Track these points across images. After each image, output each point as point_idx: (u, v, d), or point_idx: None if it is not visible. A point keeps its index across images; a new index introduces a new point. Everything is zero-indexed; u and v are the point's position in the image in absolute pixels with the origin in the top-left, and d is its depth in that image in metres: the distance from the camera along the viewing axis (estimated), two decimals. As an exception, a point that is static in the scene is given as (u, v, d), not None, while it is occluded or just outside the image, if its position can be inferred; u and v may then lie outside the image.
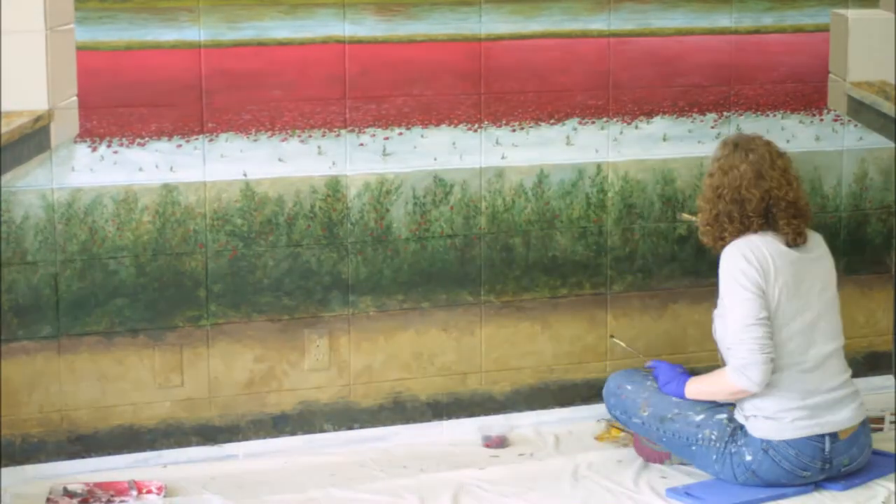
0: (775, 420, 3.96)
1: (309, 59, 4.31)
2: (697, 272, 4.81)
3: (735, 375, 3.95)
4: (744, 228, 4.03)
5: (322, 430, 4.47)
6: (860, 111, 4.90)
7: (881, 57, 4.88)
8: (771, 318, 3.95)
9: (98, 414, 4.26)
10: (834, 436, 3.99)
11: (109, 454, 4.26)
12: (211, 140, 4.25)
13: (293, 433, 4.45)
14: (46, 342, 4.18)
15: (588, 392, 4.73)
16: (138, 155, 4.19)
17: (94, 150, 4.14)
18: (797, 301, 4.00)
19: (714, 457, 4.03)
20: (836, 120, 4.87)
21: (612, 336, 4.69)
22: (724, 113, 4.75)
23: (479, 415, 4.61)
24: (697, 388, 4.11)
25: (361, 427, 4.50)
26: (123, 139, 4.17)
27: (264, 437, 4.41)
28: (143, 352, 4.28)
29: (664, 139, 4.71)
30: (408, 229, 4.47)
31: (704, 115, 4.74)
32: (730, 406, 4.09)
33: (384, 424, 4.53)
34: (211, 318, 4.32)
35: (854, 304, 5.00)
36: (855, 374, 4.98)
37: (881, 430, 4.61)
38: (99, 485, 4.09)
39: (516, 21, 4.49)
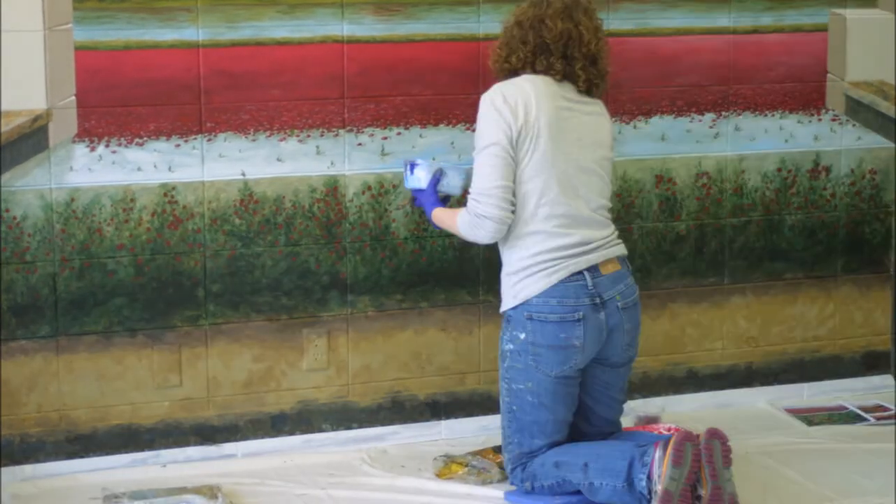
0: (524, 274, 3.87)
1: (307, 58, 4.31)
2: (696, 272, 4.81)
3: (471, 220, 3.86)
4: (532, 58, 3.90)
5: (321, 430, 4.47)
6: (858, 111, 4.90)
7: (879, 57, 4.89)
8: (518, 159, 3.84)
9: (97, 414, 4.26)
10: (594, 270, 3.90)
11: (108, 454, 4.26)
12: (209, 140, 4.25)
13: (292, 433, 4.45)
14: (45, 342, 4.18)
15: (586, 392, 4.73)
16: (137, 155, 4.19)
17: (93, 149, 4.14)
18: (559, 148, 3.86)
19: (521, 376, 3.95)
20: (834, 120, 4.88)
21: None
22: (723, 112, 4.75)
23: (477, 415, 4.61)
24: (440, 216, 4.03)
25: (360, 427, 4.51)
26: (122, 139, 4.17)
27: (263, 437, 4.41)
28: (142, 351, 4.28)
29: (663, 139, 4.71)
30: (406, 229, 4.47)
31: (703, 114, 4.74)
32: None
33: (383, 424, 4.53)
34: (209, 318, 4.32)
35: (852, 303, 5.00)
36: (853, 374, 5.02)
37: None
38: None
39: (515, 21, 4.48)
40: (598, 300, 3.89)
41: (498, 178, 3.83)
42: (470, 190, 3.90)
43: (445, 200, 4.10)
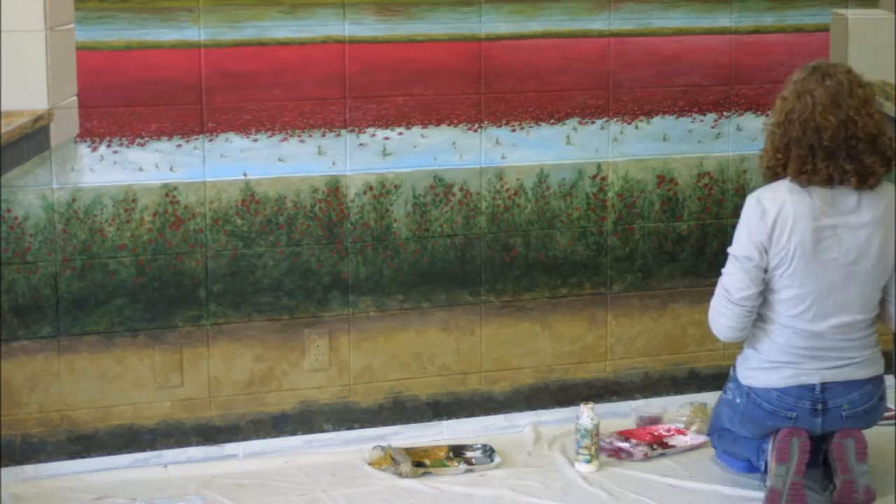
0: (759, 370, 3.95)
1: (309, 58, 4.31)
2: (697, 272, 4.81)
3: (710, 314, 4.04)
4: (808, 164, 3.78)
5: (322, 430, 4.47)
6: (860, 111, 4.89)
7: (881, 57, 4.88)
8: (770, 275, 3.87)
9: (98, 414, 4.26)
10: (826, 383, 3.91)
11: (109, 454, 4.26)
12: (211, 140, 4.25)
13: (293, 433, 4.45)
14: (46, 342, 4.18)
15: (588, 392, 4.73)
16: (138, 155, 4.19)
17: (94, 149, 4.14)
18: (811, 267, 3.83)
19: (726, 404, 4.10)
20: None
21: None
22: (725, 113, 4.75)
23: (478, 415, 4.61)
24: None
25: (361, 427, 4.50)
26: (123, 139, 4.17)
27: (264, 437, 4.41)
28: (143, 352, 4.28)
29: (664, 139, 4.71)
30: (408, 229, 4.47)
31: (704, 114, 4.74)
32: None
33: (384, 424, 4.53)
34: (211, 318, 4.32)
35: (854, 303, 4.99)
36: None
37: None
38: None
39: (516, 21, 4.49)
40: (819, 406, 3.90)
41: (745, 289, 3.90)
42: (721, 281, 3.97)
43: None
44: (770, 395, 3.91)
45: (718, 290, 3.98)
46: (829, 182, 3.82)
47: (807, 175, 3.80)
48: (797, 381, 3.89)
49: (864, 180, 3.81)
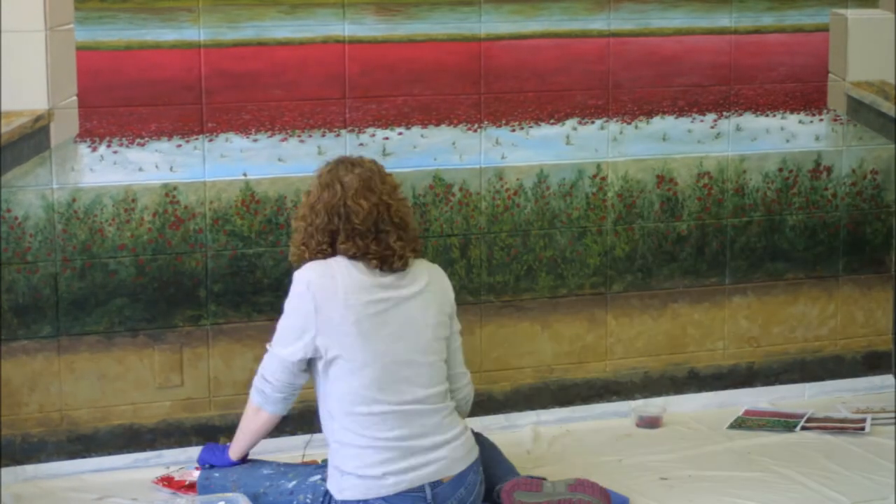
0: (362, 478, 3.60)
1: (309, 58, 4.31)
2: (697, 272, 4.81)
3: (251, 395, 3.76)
4: (343, 243, 3.63)
5: (321, 430, 4.46)
6: (859, 111, 4.90)
7: (881, 57, 4.89)
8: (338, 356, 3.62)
9: (98, 413, 4.26)
10: (436, 482, 3.64)
11: (109, 454, 4.26)
12: (211, 140, 4.25)
13: (293, 433, 4.44)
14: (46, 342, 4.18)
15: (588, 392, 4.73)
16: (138, 155, 4.19)
17: (94, 149, 4.15)
18: (374, 345, 3.61)
19: None
20: (835, 120, 4.88)
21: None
22: (724, 113, 4.75)
23: (479, 414, 4.60)
24: (234, 441, 3.87)
25: (361, 427, 4.50)
26: (123, 139, 4.17)
27: (264, 438, 4.40)
28: (143, 351, 4.28)
29: (664, 139, 4.71)
30: (408, 229, 4.47)
31: (704, 114, 4.74)
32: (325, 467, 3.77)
33: (384, 424, 4.53)
34: (211, 318, 4.32)
35: (853, 303, 5.00)
36: (855, 374, 5.02)
37: (862, 430, 4.60)
38: None
39: (516, 21, 4.49)
40: None
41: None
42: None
43: None
44: None
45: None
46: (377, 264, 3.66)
47: (358, 254, 3.65)
48: (409, 485, 3.61)
49: (401, 258, 3.67)
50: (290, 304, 3.68)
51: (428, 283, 3.73)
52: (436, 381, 3.72)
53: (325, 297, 3.61)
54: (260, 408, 3.77)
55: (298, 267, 3.69)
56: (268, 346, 3.75)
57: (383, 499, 3.59)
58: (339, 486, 3.65)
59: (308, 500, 3.72)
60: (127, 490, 4.08)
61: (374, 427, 3.63)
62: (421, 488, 3.62)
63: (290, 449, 4.40)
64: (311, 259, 3.68)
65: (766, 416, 4.73)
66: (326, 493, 3.70)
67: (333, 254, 3.67)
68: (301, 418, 4.45)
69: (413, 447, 3.64)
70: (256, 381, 3.76)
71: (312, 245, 3.67)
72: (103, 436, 4.27)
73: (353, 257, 3.65)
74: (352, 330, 3.60)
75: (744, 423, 4.68)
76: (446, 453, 3.67)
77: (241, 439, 3.88)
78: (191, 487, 4.02)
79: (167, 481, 4.09)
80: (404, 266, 3.69)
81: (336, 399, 3.66)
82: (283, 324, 3.71)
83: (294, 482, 3.77)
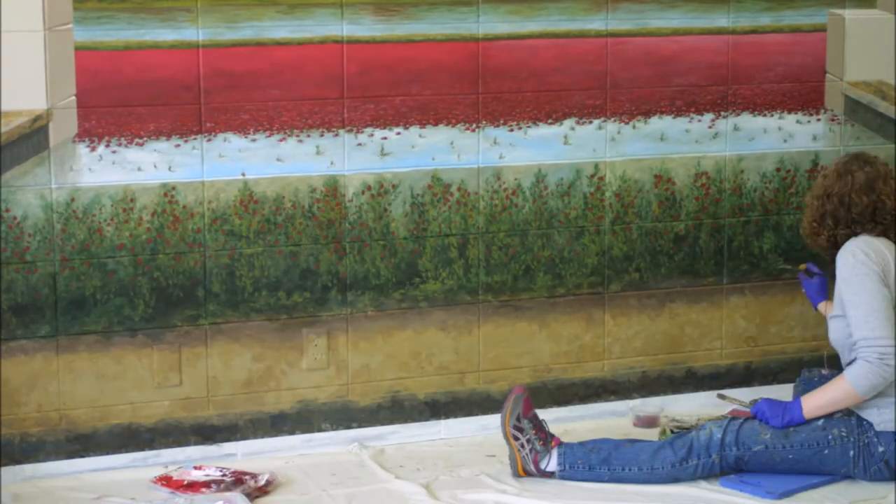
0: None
1: (307, 58, 4.31)
2: (695, 272, 4.81)
3: (872, 381, 3.95)
4: (851, 232, 4.11)
5: (320, 430, 4.48)
6: (857, 111, 4.90)
7: (878, 57, 4.89)
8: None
9: (97, 413, 4.26)
10: None
11: (108, 453, 4.27)
12: (209, 140, 4.25)
13: (291, 432, 4.45)
14: (45, 341, 4.18)
15: (585, 391, 4.74)
16: (137, 155, 4.19)
17: (93, 149, 4.15)
18: None
19: (852, 452, 4.01)
20: (833, 120, 4.88)
21: (721, 395, 4.73)
22: (722, 113, 4.76)
23: (476, 414, 4.61)
24: (817, 402, 4.06)
25: (360, 426, 4.51)
26: (122, 139, 4.17)
27: (263, 437, 4.42)
28: (142, 351, 4.28)
29: (662, 139, 4.71)
30: (406, 229, 4.48)
31: (702, 114, 4.74)
32: None
33: (382, 424, 4.53)
34: (209, 318, 4.33)
35: (851, 303, 5.00)
36: (852, 374, 5.00)
37: None
38: None
39: (514, 21, 4.49)
40: None
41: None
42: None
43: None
44: None
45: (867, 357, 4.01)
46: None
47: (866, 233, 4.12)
48: None
49: None
50: (856, 273, 4.03)
51: None
52: None
53: (881, 260, 4.03)
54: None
55: (807, 236, 4.23)
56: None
57: None
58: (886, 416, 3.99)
59: (844, 433, 4.01)
60: (125, 490, 4.08)
61: None
62: None
63: (289, 449, 4.41)
64: (823, 236, 4.16)
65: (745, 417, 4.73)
66: (859, 424, 4.01)
67: (842, 232, 4.12)
68: (299, 417, 4.45)
69: None
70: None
71: (828, 225, 4.13)
72: (102, 435, 4.27)
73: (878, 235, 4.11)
74: None
75: None
76: None
77: (827, 404, 4.06)
78: (189, 487, 4.02)
79: (166, 480, 4.10)
80: None
81: None
82: (863, 288, 4.03)
83: (822, 419, 4.03)
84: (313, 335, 4.44)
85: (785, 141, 4.83)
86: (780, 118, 4.82)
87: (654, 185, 4.72)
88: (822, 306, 4.41)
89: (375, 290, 4.47)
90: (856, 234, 4.11)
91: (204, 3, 4.18)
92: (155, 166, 4.21)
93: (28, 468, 4.19)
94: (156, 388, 4.31)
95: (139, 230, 4.22)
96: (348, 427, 4.49)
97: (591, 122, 4.62)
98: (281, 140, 4.32)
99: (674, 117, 4.71)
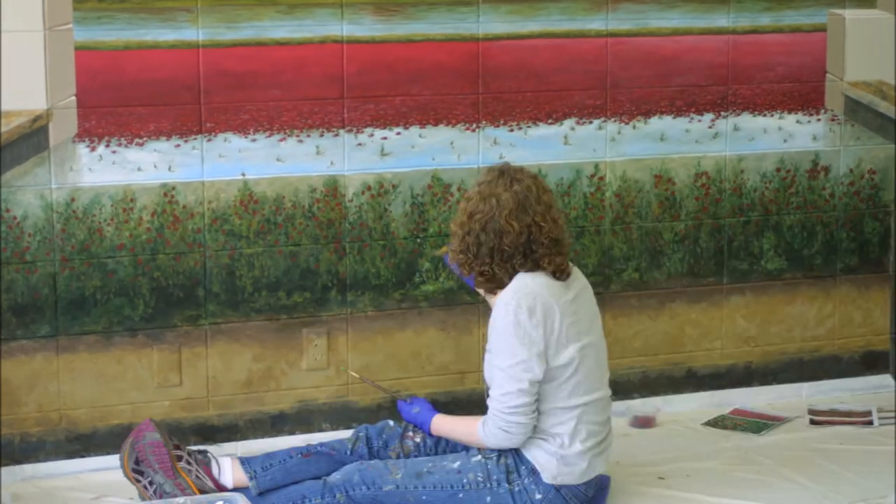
0: (571, 465, 3.74)
1: (307, 58, 4.31)
2: (695, 272, 4.81)
3: (493, 432, 3.71)
4: (503, 263, 3.71)
5: (320, 430, 4.48)
6: (857, 111, 4.90)
7: (878, 57, 4.89)
8: (558, 365, 3.70)
9: (97, 413, 4.26)
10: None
11: (108, 453, 4.26)
12: (209, 140, 4.25)
13: (292, 433, 4.45)
14: (45, 341, 4.18)
15: (586, 391, 4.74)
16: (137, 155, 4.19)
17: (93, 149, 4.15)
18: (584, 337, 3.75)
19: (488, 499, 3.72)
20: (833, 120, 4.88)
21: (344, 368, 4.48)
22: (722, 113, 4.76)
23: (477, 414, 4.60)
24: (448, 425, 3.88)
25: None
26: (122, 139, 4.17)
27: (263, 437, 4.42)
28: (142, 351, 4.28)
29: (662, 139, 4.71)
30: (406, 229, 4.48)
31: (702, 114, 4.74)
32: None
33: (382, 424, 4.53)
34: (209, 318, 4.33)
35: (851, 303, 5.01)
36: (853, 374, 5.03)
37: (870, 423, 4.63)
38: None
39: (514, 21, 4.49)
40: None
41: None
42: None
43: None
44: (579, 490, 3.80)
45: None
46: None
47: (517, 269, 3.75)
48: (600, 469, 3.87)
49: (562, 272, 3.76)
50: (512, 334, 3.70)
51: (584, 281, 3.89)
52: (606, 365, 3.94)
53: (544, 314, 3.69)
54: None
55: (468, 273, 3.82)
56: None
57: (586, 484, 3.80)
58: (555, 471, 3.74)
59: (480, 478, 3.75)
60: (125, 490, 4.08)
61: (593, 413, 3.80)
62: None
63: (289, 448, 4.41)
64: (476, 270, 3.77)
65: (747, 417, 4.73)
66: (507, 469, 3.74)
67: (497, 268, 3.74)
68: (299, 417, 4.45)
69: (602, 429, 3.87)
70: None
71: (480, 258, 3.74)
72: (102, 435, 4.27)
73: (532, 270, 3.74)
74: (569, 330, 3.71)
75: (719, 422, 4.69)
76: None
77: (452, 431, 3.89)
78: None
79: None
80: (567, 276, 3.79)
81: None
82: (511, 354, 3.72)
83: (457, 463, 3.79)
84: (313, 335, 4.44)
85: (785, 141, 4.83)
86: (780, 118, 4.82)
87: (654, 185, 4.72)
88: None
89: (375, 290, 4.47)
90: (513, 271, 3.73)
91: (204, 3, 4.18)
92: (155, 166, 4.21)
93: (28, 468, 4.19)
94: (156, 388, 4.31)
95: (139, 230, 4.22)
96: (348, 427, 4.49)
97: (591, 122, 4.62)
98: (281, 140, 4.32)
99: (674, 117, 4.71)
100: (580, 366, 3.74)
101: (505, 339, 3.70)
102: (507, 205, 3.69)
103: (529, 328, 3.67)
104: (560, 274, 3.75)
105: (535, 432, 3.75)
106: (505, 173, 3.75)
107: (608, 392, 3.89)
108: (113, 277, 4.22)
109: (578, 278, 3.86)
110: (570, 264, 3.83)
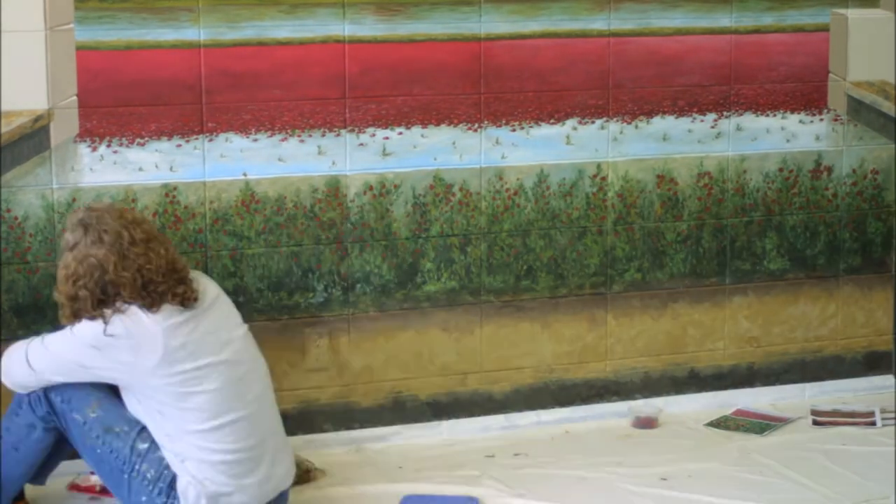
0: (223, 496, 3.61)
1: (309, 58, 4.31)
2: (697, 272, 4.81)
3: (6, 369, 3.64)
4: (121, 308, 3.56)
5: (322, 430, 4.47)
6: (860, 111, 4.90)
7: (881, 57, 4.88)
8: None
9: (98, 414, 4.25)
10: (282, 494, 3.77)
11: (109, 454, 4.26)
12: (211, 140, 4.25)
13: (293, 433, 4.43)
14: (46, 342, 4.18)
15: (588, 392, 4.73)
16: (138, 155, 4.19)
17: (94, 149, 4.14)
18: (210, 358, 3.60)
19: (144, 498, 3.61)
20: (835, 120, 4.87)
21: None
22: (724, 112, 4.75)
23: (478, 415, 4.61)
24: None
25: (361, 427, 4.50)
26: (123, 139, 4.17)
27: None
28: (143, 351, 4.27)
29: (664, 139, 4.71)
30: (408, 229, 4.47)
31: (704, 114, 4.74)
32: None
33: (384, 424, 4.53)
34: (211, 318, 4.32)
35: (854, 303, 5.00)
36: (855, 374, 5.02)
37: (873, 424, 4.62)
38: None
39: (516, 21, 4.49)
40: None
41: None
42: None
43: None
44: None
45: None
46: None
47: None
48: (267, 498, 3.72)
49: (188, 298, 3.62)
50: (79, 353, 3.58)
51: (213, 293, 3.71)
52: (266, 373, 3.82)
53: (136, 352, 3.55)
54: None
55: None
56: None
57: None
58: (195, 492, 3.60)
59: (148, 477, 3.61)
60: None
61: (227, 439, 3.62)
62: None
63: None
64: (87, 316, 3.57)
65: (749, 418, 4.73)
66: (171, 480, 3.59)
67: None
68: (300, 417, 4.45)
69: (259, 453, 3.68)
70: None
71: (88, 308, 3.56)
72: (103, 436, 4.27)
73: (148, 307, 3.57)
74: (186, 359, 3.56)
75: (721, 423, 4.68)
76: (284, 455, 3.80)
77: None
78: (106, 490, 3.95)
79: (76, 488, 4.09)
80: (196, 298, 3.63)
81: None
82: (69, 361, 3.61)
83: (146, 445, 3.62)
84: (315, 336, 4.43)
85: (788, 141, 4.82)
86: (782, 118, 4.82)
87: (656, 186, 4.71)
88: None
89: (377, 290, 4.47)
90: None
91: (205, 3, 4.18)
92: (156, 166, 4.21)
93: (29, 469, 4.18)
94: (157, 388, 4.30)
95: (140, 230, 4.21)
96: (350, 428, 4.49)
97: (593, 122, 4.61)
98: (282, 140, 4.32)
99: (676, 117, 4.71)
100: (203, 387, 3.58)
101: (70, 351, 3.59)
102: (109, 260, 3.55)
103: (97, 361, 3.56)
104: (187, 302, 3.59)
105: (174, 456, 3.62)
106: (89, 228, 3.58)
107: (249, 411, 3.69)
108: (114, 278, 4.21)
109: (205, 293, 3.67)
110: (194, 280, 3.66)
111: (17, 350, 3.70)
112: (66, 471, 4.19)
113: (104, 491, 4.00)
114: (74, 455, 4.20)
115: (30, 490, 4.07)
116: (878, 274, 5.02)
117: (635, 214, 4.71)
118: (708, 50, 4.71)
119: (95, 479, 4.06)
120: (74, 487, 4.09)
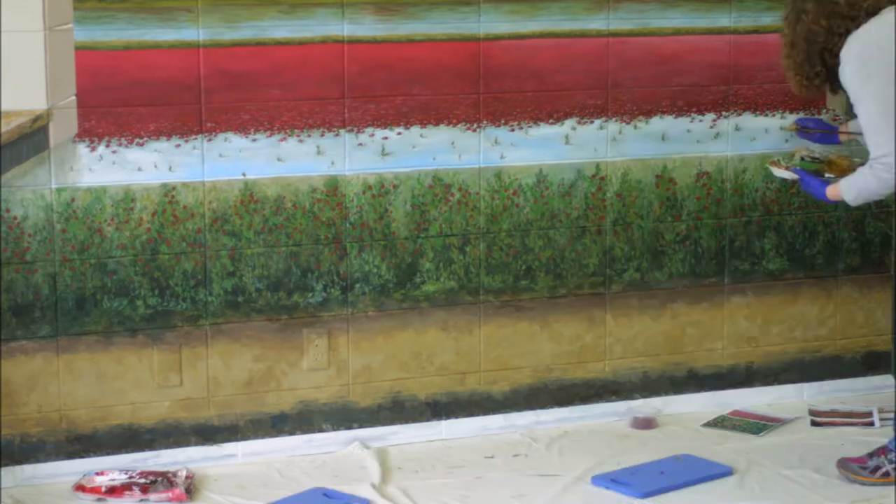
0: None
1: (308, 58, 4.31)
2: (696, 272, 4.81)
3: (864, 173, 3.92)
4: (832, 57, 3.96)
5: (321, 430, 4.47)
6: (859, 111, 4.89)
7: (880, 57, 4.88)
8: None
9: (97, 414, 4.26)
10: None
11: (108, 454, 4.26)
12: (210, 140, 4.25)
13: (292, 433, 4.45)
14: (45, 342, 4.18)
15: (587, 392, 4.73)
16: (137, 155, 4.19)
17: (93, 149, 4.14)
18: None
19: None
20: (835, 120, 4.87)
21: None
22: (723, 112, 4.75)
23: (477, 415, 4.61)
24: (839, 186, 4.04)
25: (360, 427, 4.51)
26: (122, 139, 4.17)
27: (263, 437, 4.41)
28: (142, 351, 4.28)
29: (663, 139, 4.71)
30: (407, 229, 4.47)
31: (703, 114, 4.74)
32: None
33: (383, 424, 4.53)
34: (210, 318, 4.32)
35: (853, 303, 5.00)
36: (854, 374, 5.03)
37: (871, 424, 4.63)
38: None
39: (515, 21, 4.49)
40: None
41: None
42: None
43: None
44: None
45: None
46: None
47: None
48: None
49: None
50: (856, 73, 3.91)
51: None
52: None
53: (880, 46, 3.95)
54: None
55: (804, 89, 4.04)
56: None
57: None
58: None
59: None
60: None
61: None
62: None
63: (289, 449, 4.40)
64: (812, 85, 4.03)
65: (746, 418, 4.73)
66: None
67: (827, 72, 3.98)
68: (299, 417, 4.45)
69: None
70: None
71: (807, 71, 4.00)
72: (102, 436, 4.27)
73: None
74: None
75: (718, 422, 4.69)
76: None
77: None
78: (112, 492, 3.99)
79: (82, 489, 4.09)
80: None
81: None
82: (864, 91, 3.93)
83: None
84: (314, 335, 4.43)
85: (787, 141, 4.82)
86: (781, 118, 4.82)
87: (655, 186, 4.72)
88: (830, 191, 4.13)
89: (376, 290, 4.47)
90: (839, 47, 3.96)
91: (204, 3, 4.18)
92: (155, 166, 4.21)
93: (28, 469, 4.19)
94: (156, 388, 4.30)
95: (139, 230, 4.21)
96: (349, 427, 4.49)
97: (592, 122, 4.61)
98: (281, 140, 4.32)
99: (675, 117, 4.71)
100: None
101: (865, 93, 3.89)
102: (812, 12, 3.96)
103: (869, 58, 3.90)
104: None
105: None
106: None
107: None
108: (113, 277, 4.21)
109: None
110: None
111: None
112: (72, 471, 4.20)
113: (110, 492, 4.01)
114: (79, 455, 4.21)
115: (30, 490, 4.08)
116: (877, 274, 5.02)
117: (634, 214, 4.71)
118: (707, 50, 4.71)
119: (101, 481, 4.07)
120: (80, 489, 4.09)
